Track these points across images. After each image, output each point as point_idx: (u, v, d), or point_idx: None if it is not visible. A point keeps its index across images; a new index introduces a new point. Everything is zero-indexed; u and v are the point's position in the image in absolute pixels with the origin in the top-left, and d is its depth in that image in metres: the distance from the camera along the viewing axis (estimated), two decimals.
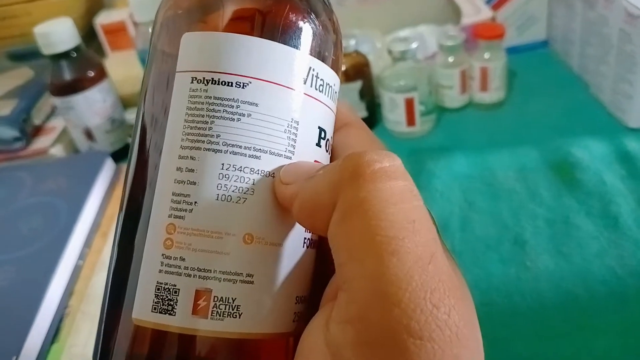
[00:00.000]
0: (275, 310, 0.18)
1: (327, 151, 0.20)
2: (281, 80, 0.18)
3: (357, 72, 0.56)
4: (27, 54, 0.76)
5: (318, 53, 0.19)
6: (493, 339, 0.37)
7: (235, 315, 0.17)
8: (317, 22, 0.19)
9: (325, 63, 0.19)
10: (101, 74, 0.58)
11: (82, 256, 0.48)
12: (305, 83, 0.18)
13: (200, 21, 0.18)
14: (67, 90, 0.57)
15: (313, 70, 0.18)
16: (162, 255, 0.17)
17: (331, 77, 0.19)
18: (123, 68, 0.68)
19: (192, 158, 0.17)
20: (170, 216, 0.17)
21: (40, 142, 0.62)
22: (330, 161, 0.20)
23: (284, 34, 0.18)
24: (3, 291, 0.43)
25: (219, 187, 0.17)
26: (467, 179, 0.51)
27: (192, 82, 0.17)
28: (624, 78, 0.52)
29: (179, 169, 0.17)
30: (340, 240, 0.15)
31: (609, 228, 0.43)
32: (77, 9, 0.80)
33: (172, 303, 0.17)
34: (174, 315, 0.17)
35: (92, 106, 0.58)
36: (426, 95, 0.55)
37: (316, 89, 0.18)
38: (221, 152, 0.17)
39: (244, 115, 0.17)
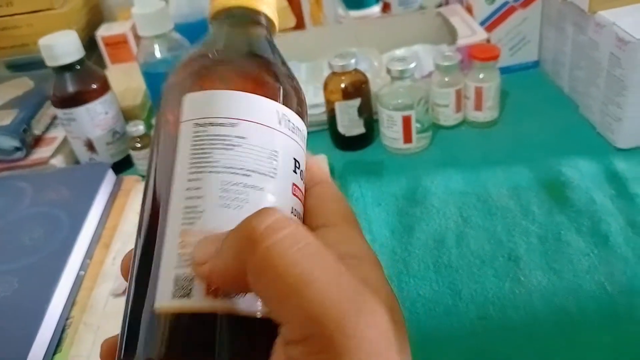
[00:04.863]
0: None
1: (301, 179, 0.24)
2: (261, 121, 0.23)
3: (356, 89, 0.57)
4: (27, 64, 0.76)
5: (286, 104, 0.24)
6: (488, 350, 0.39)
7: (242, 296, 0.20)
8: (280, 84, 0.25)
9: (292, 111, 0.25)
10: (104, 87, 0.59)
11: (83, 267, 0.48)
12: (280, 123, 0.23)
13: (196, 87, 0.24)
14: (69, 103, 0.58)
15: (284, 115, 0.24)
16: (178, 254, 0.21)
17: (299, 122, 0.25)
18: (123, 80, 0.69)
19: (198, 180, 0.22)
20: (183, 224, 0.21)
21: (41, 153, 0.62)
22: (305, 194, 0.25)
23: (260, 90, 0.24)
24: (5, 301, 0.44)
25: (221, 198, 0.21)
26: (462, 195, 0.52)
27: (194, 127, 0.23)
28: (613, 101, 0.54)
29: (188, 189, 0.22)
30: (263, 294, 0.19)
31: (599, 246, 0.45)
32: (78, 21, 0.80)
33: (189, 289, 0.20)
34: (191, 298, 0.20)
35: (94, 118, 0.59)
36: (422, 113, 0.57)
37: (289, 129, 0.24)
38: (221, 172, 0.22)
39: (235, 145, 0.22)
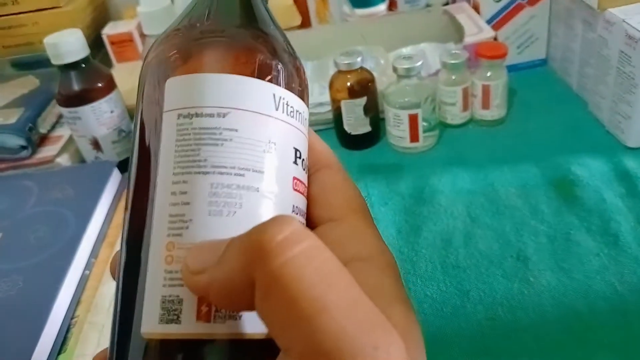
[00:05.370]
0: None
1: (303, 169, 0.22)
2: (255, 108, 0.20)
3: (362, 88, 0.57)
4: (32, 63, 0.76)
5: (285, 84, 0.21)
6: (497, 352, 0.38)
7: (235, 318, 0.18)
8: (278, 61, 0.21)
9: (293, 93, 0.21)
10: (110, 86, 0.59)
11: (88, 266, 0.48)
12: (277, 109, 0.20)
13: (179, 67, 0.21)
14: (75, 101, 0.57)
15: (282, 98, 0.21)
16: (165, 270, 0.18)
17: (299, 105, 0.22)
18: (129, 79, 0.69)
19: (184, 182, 0.19)
20: (169, 235, 0.19)
21: (46, 151, 0.62)
22: (308, 180, 0.22)
23: (254, 70, 0.20)
24: (10, 300, 0.43)
25: (210, 204, 0.19)
26: (470, 194, 0.52)
27: (178, 118, 0.20)
28: (623, 99, 0.53)
29: (173, 193, 0.19)
30: (269, 315, 0.16)
31: (609, 245, 0.44)
32: (84, 20, 0.80)
33: (177, 312, 0.18)
34: (180, 323, 0.18)
35: (100, 117, 0.59)
36: (429, 112, 0.57)
37: (287, 114, 0.21)
38: (209, 173, 0.19)
39: (226, 140, 0.19)
